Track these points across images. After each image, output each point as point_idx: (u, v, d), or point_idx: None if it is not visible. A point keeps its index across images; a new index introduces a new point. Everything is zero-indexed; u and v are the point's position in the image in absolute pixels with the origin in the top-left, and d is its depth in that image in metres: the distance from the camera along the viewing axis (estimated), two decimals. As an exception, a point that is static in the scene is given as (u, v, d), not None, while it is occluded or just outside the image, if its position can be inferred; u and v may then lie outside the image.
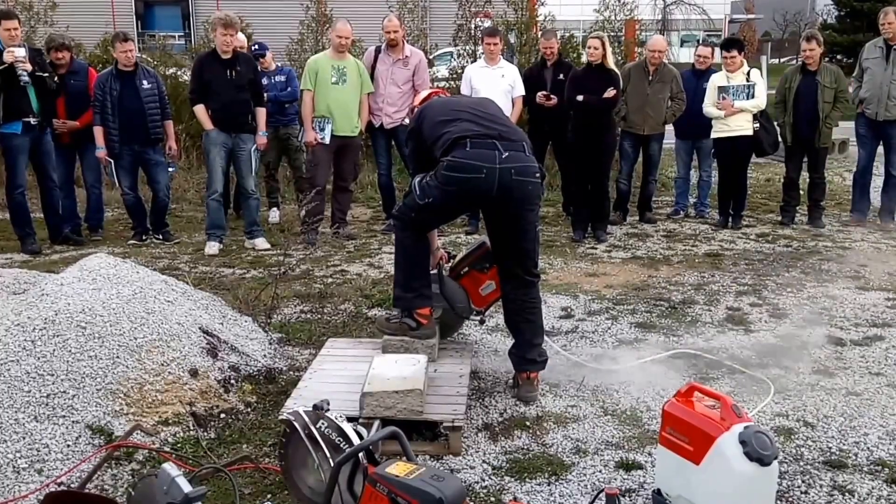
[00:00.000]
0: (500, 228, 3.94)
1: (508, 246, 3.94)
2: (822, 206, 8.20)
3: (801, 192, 8.32)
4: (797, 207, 8.26)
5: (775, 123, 7.94)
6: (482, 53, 8.31)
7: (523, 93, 7.78)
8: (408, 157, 4.29)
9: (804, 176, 8.20)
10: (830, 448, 3.49)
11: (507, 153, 3.72)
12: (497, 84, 7.63)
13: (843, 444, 3.52)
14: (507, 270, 4.00)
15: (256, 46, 8.36)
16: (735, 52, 7.79)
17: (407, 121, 7.59)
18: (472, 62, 9.50)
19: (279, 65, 8.70)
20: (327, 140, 7.28)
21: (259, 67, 7.70)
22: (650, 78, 7.92)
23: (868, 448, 3.48)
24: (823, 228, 7.88)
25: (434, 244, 4.28)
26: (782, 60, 36.03)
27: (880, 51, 7.68)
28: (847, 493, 3.12)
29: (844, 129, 8.51)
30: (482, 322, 4.52)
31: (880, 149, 7.93)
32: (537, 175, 3.86)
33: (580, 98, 7.20)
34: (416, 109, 4.31)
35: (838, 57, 29.41)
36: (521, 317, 4.03)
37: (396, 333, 4.04)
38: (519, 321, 4.04)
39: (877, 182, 8.25)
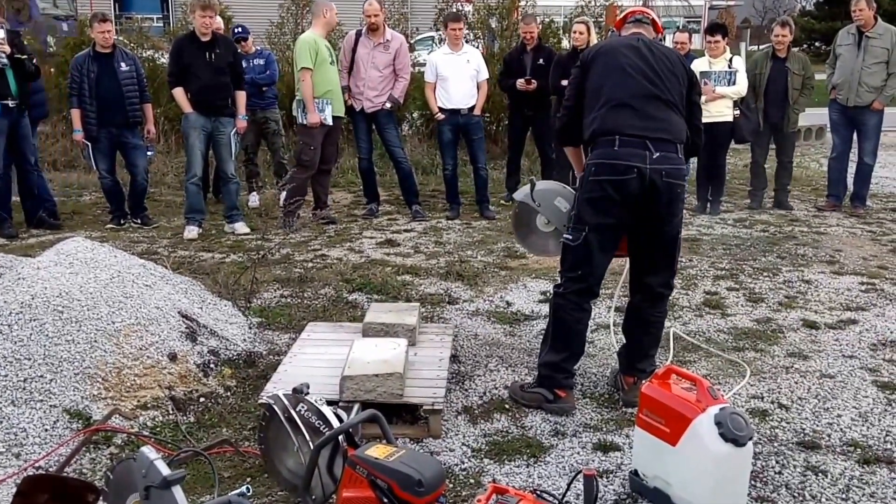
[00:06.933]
0: (641, 235, 3.64)
1: (649, 255, 3.68)
2: (789, 190, 8.33)
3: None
4: (765, 191, 8.34)
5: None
6: (444, 39, 8.25)
7: (487, 76, 7.82)
8: (569, 83, 3.79)
9: (774, 161, 8.29)
10: (804, 429, 3.54)
11: (657, 153, 3.44)
12: (463, 69, 7.63)
13: (817, 426, 3.57)
14: (640, 282, 3.75)
15: (240, 29, 8.28)
16: (719, 37, 7.80)
17: (388, 105, 7.57)
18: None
19: (259, 48, 8.62)
20: (329, 121, 7.19)
21: (240, 50, 7.62)
22: None
23: (841, 429, 3.54)
24: (791, 210, 7.96)
25: None
26: (761, 47, 36.14)
27: (852, 37, 7.76)
28: (820, 474, 3.17)
29: (823, 116, 8.57)
30: None
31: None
32: (686, 178, 3.61)
33: (565, 83, 7.19)
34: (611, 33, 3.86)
35: (816, 44, 29.60)
36: (642, 329, 3.82)
37: (531, 405, 3.74)
38: (640, 333, 3.84)
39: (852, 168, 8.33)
